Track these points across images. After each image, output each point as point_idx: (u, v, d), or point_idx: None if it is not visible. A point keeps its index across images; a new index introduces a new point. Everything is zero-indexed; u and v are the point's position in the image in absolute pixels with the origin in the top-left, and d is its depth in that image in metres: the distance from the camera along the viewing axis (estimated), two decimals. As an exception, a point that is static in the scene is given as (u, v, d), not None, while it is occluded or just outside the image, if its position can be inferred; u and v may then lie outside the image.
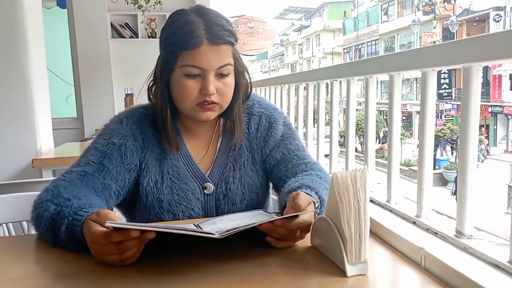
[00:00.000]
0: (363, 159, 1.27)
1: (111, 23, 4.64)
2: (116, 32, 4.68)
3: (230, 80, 1.01)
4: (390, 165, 1.11)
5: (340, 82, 1.62)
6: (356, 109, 1.50)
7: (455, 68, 0.89)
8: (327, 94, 1.86)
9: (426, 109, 0.96)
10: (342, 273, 0.72)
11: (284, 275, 0.74)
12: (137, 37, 4.67)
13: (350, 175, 0.72)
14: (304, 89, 1.98)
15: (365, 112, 1.23)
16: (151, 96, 1.06)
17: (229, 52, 0.98)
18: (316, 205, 0.88)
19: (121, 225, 0.71)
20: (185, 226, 0.82)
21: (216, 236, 0.72)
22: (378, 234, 0.94)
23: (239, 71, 1.03)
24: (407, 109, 23.03)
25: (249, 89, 1.10)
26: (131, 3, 3.65)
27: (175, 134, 1.05)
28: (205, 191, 1.06)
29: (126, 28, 4.70)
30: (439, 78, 18.10)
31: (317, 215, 0.87)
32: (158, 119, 1.03)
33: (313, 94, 1.93)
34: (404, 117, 22.83)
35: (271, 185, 1.15)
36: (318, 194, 0.91)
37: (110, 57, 4.58)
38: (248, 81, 1.09)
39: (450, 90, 18.44)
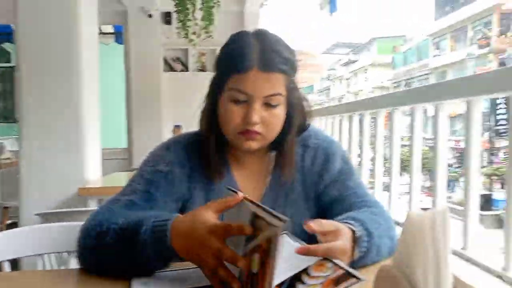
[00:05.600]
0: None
1: (164, 57, 4.81)
2: (168, 66, 4.84)
3: (279, 112, 0.92)
4: (467, 204, 0.95)
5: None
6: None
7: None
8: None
9: (512, 140, 0.81)
10: None
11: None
12: (187, 71, 4.80)
13: (428, 216, 0.59)
14: (359, 121, 1.85)
15: (434, 143, 1.08)
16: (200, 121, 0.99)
17: (281, 81, 0.90)
18: (358, 234, 0.77)
19: None
20: None
21: None
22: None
23: (293, 104, 0.94)
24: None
25: (307, 120, 1.00)
26: (183, 37, 3.74)
27: (218, 159, 0.97)
28: (253, 228, 0.95)
29: (178, 62, 4.85)
30: (495, 113, 17.22)
31: (363, 249, 0.76)
32: (202, 141, 0.96)
33: (369, 125, 1.79)
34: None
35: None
36: (364, 226, 0.79)
37: (160, 90, 4.71)
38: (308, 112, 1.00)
39: (507, 127, 17.41)
